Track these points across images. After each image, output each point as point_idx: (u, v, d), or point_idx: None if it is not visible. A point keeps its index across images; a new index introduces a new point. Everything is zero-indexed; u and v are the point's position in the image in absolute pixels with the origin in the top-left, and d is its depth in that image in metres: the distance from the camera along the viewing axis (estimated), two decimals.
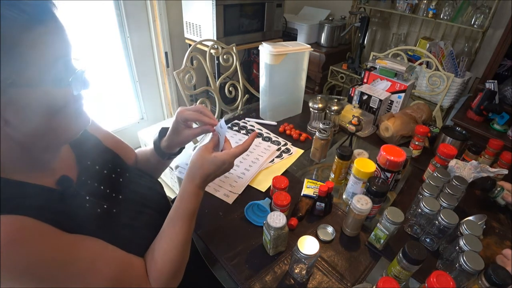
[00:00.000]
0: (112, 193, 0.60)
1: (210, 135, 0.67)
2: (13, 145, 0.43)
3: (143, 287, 0.53)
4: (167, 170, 1.85)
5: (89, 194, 0.54)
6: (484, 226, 0.77)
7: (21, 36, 0.37)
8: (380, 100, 1.17)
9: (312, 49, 1.19)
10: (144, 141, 1.97)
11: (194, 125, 0.72)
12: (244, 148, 0.63)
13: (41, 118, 0.42)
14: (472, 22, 1.74)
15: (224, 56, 1.53)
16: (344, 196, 0.89)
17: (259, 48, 1.13)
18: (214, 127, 0.67)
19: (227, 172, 0.64)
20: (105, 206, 0.55)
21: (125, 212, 0.59)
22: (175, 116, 0.68)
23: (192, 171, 0.60)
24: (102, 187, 0.59)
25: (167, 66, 2.05)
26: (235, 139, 1.13)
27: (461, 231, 0.67)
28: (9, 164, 0.44)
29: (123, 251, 0.53)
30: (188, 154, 0.76)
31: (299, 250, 0.59)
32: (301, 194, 0.84)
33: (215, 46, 1.51)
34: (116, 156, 0.68)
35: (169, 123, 0.71)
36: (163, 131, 0.75)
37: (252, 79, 2.42)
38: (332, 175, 0.92)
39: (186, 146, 0.78)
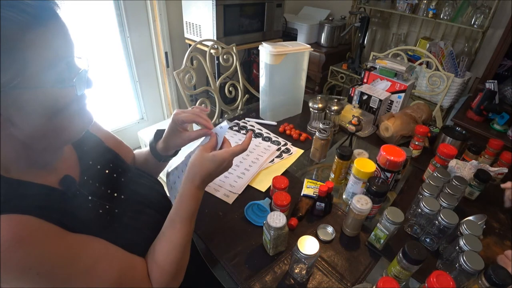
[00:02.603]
0: (114, 193, 0.60)
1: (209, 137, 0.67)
2: (17, 145, 0.44)
3: (144, 287, 0.54)
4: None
5: (92, 194, 0.54)
6: (484, 226, 0.77)
7: (24, 37, 0.37)
8: (380, 100, 1.17)
9: (312, 49, 1.19)
10: (144, 141, 1.97)
11: (196, 127, 0.72)
12: (243, 148, 0.62)
13: (45, 118, 0.42)
14: (472, 22, 1.74)
15: (224, 56, 1.53)
16: (344, 196, 0.89)
17: (259, 48, 1.13)
18: (214, 128, 0.67)
19: (226, 171, 0.63)
20: (107, 206, 0.55)
21: (127, 212, 0.59)
22: (171, 118, 0.68)
23: (192, 172, 0.60)
24: (103, 187, 0.59)
25: (167, 66, 2.05)
26: (235, 139, 1.13)
27: (461, 231, 0.67)
28: (13, 164, 0.44)
29: (126, 252, 0.53)
30: (184, 154, 0.75)
31: (299, 250, 0.59)
32: (301, 194, 0.84)
33: (215, 46, 1.51)
34: (117, 156, 0.68)
35: (167, 124, 0.71)
36: (159, 133, 0.75)
37: (252, 79, 2.42)
38: (332, 175, 0.92)
39: (182, 147, 0.78)
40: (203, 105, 1.49)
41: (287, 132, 1.18)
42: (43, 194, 0.46)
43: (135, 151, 0.81)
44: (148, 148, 0.77)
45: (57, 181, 0.50)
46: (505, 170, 0.91)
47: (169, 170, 0.79)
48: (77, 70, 0.44)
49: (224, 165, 0.61)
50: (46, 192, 0.47)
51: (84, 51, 0.47)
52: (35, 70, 0.38)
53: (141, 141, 2.03)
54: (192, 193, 0.60)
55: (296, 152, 1.08)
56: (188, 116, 0.67)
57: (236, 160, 1.00)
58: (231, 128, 1.20)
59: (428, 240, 0.74)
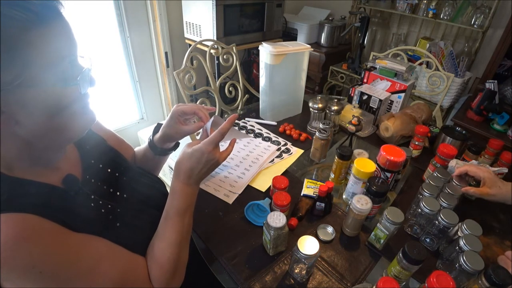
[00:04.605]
0: (116, 192, 0.61)
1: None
2: (20, 143, 0.44)
3: (146, 287, 0.54)
4: (167, 169, 1.86)
5: (94, 193, 0.55)
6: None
7: (27, 35, 0.37)
8: (380, 100, 1.17)
9: (312, 49, 1.19)
10: (144, 141, 1.97)
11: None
12: (221, 133, 0.59)
13: (48, 116, 0.42)
14: (472, 22, 1.74)
15: (224, 56, 1.53)
16: (344, 196, 0.89)
17: (259, 48, 1.13)
18: (204, 125, 0.68)
19: (214, 164, 0.61)
20: (109, 206, 0.55)
21: (129, 211, 0.59)
22: (172, 111, 0.70)
23: (177, 168, 0.60)
24: (105, 186, 0.59)
25: (167, 66, 2.05)
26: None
27: (461, 231, 0.67)
28: (15, 162, 0.45)
29: (128, 251, 0.53)
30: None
31: (299, 250, 0.59)
32: (301, 194, 0.84)
33: (215, 46, 1.51)
34: (119, 155, 0.69)
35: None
36: (158, 126, 0.76)
37: (252, 79, 2.42)
38: (332, 175, 0.92)
39: (183, 142, 0.78)
40: (203, 104, 1.49)
41: (287, 132, 1.18)
42: (45, 193, 0.46)
43: (135, 149, 0.81)
44: (146, 144, 0.78)
45: (60, 180, 0.50)
46: (505, 170, 0.91)
47: None
48: (80, 69, 0.45)
49: (206, 157, 0.59)
50: (48, 191, 0.47)
51: (85, 51, 0.47)
52: (39, 69, 0.39)
53: (141, 141, 2.03)
54: (180, 189, 0.60)
55: (296, 152, 1.08)
56: (189, 107, 0.69)
57: (236, 160, 1.00)
58: None
59: (428, 240, 0.74)
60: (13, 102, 0.38)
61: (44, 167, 0.49)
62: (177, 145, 0.79)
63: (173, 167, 1.00)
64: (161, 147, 0.75)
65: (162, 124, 0.75)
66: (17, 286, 0.40)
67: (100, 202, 0.54)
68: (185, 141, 0.74)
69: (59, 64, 0.41)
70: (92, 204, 0.53)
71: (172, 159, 1.55)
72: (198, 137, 0.68)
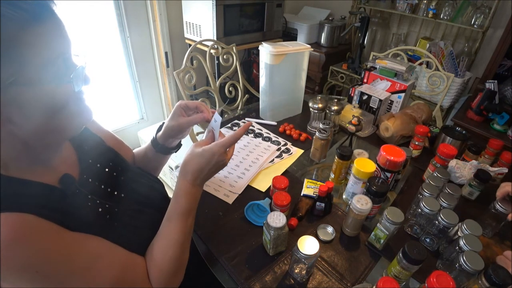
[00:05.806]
0: (114, 192, 0.60)
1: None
2: (16, 143, 0.44)
3: (144, 287, 0.54)
4: (167, 170, 1.86)
5: (91, 192, 0.54)
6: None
7: (21, 34, 0.37)
8: (380, 100, 1.17)
9: (312, 49, 1.19)
10: (144, 141, 1.97)
11: (195, 130, 0.72)
12: (234, 137, 0.59)
13: (43, 115, 0.42)
14: (472, 22, 1.74)
15: (224, 56, 1.53)
16: (344, 196, 0.89)
17: (259, 48, 1.13)
18: (210, 124, 0.67)
19: (221, 166, 0.61)
20: (107, 206, 0.55)
21: (127, 211, 0.59)
22: (175, 105, 0.70)
23: (184, 168, 0.60)
24: (103, 186, 0.59)
25: (167, 66, 2.05)
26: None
27: (461, 231, 0.67)
28: (12, 162, 0.44)
29: (126, 251, 0.53)
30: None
31: (299, 250, 0.59)
32: (301, 194, 0.84)
33: (215, 46, 1.51)
34: (118, 155, 0.68)
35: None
36: (163, 125, 0.76)
37: (252, 79, 2.42)
38: (332, 175, 0.92)
39: (185, 143, 0.77)
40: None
41: (287, 132, 1.18)
42: (42, 193, 0.46)
43: (135, 150, 0.81)
44: (147, 143, 0.78)
45: (57, 180, 0.50)
46: (505, 170, 0.91)
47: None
48: (74, 67, 0.45)
49: (216, 159, 0.59)
50: (45, 190, 0.47)
51: (84, 50, 0.47)
52: (32, 67, 0.39)
53: (141, 141, 2.03)
54: (185, 189, 0.59)
55: (296, 152, 1.08)
56: (193, 102, 0.69)
57: (236, 160, 1.00)
58: (230, 128, 1.20)
59: (428, 240, 0.74)
60: (7, 101, 0.38)
61: (41, 166, 0.49)
62: (179, 145, 0.79)
63: (173, 167, 1.00)
64: (162, 143, 0.75)
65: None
66: (14, 286, 0.40)
67: (98, 201, 0.54)
68: (187, 144, 0.74)
69: (53, 62, 0.41)
70: (89, 204, 0.53)
71: (172, 159, 1.55)
72: (198, 138, 0.68)
